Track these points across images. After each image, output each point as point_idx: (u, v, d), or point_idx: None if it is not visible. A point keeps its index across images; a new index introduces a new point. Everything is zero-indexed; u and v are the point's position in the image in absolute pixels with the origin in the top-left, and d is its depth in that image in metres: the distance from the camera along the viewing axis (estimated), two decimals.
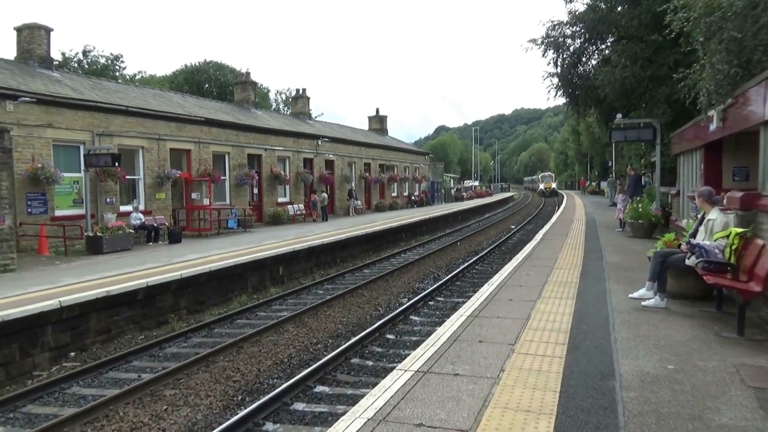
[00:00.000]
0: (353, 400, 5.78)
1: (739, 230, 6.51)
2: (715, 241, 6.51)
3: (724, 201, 8.40)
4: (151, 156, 19.11)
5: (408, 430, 3.63)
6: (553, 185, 71.88)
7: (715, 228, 6.65)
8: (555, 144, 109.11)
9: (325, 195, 28.33)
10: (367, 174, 35.44)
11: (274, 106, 54.29)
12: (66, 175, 16.11)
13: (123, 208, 17.86)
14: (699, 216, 7.34)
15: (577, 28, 21.35)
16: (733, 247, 6.33)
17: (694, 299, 7.23)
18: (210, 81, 45.69)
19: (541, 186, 72.95)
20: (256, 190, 25.13)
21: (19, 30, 18.58)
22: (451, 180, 67.37)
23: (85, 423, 6.15)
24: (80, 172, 16.39)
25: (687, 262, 6.69)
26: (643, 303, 6.97)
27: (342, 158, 32.52)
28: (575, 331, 5.87)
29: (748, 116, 9.77)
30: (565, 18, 21.84)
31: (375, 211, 35.48)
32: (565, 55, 21.89)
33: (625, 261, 10.94)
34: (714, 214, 6.80)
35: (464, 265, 15.37)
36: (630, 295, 7.35)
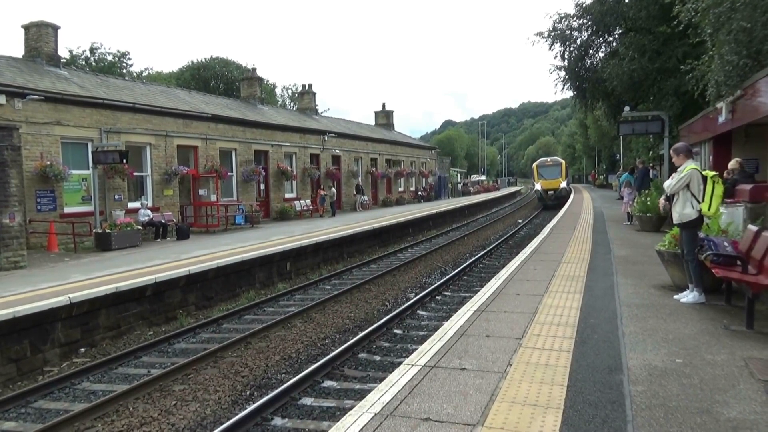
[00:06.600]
0: (361, 395, 5.79)
1: (712, 173, 6.56)
2: (677, 181, 6.63)
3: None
4: (159, 153, 19.18)
5: (415, 425, 3.64)
6: (563, 183, 38.01)
7: (681, 174, 6.70)
8: (562, 137, 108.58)
9: (333, 190, 28.37)
10: (374, 169, 35.40)
11: (280, 102, 54.32)
12: (74, 172, 16.20)
13: (131, 205, 17.96)
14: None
15: (584, 21, 21.26)
16: (712, 193, 6.42)
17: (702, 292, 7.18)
18: (216, 77, 45.78)
19: (538, 186, 39.05)
20: (263, 186, 25.18)
21: (27, 28, 18.66)
22: (458, 174, 66.96)
23: (95, 418, 6.20)
24: (88, 169, 16.48)
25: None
26: (682, 300, 6.87)
27: (349, 153, 32.52)
28: (583, 325, 5.86)
29: (758, 107, 9.68)
30: (572, 10, 21.78)
31: (382, 206, 35.47)
32: (572, 48, 21.81)
33: (633, 254, 10.89)
34: (688, 164, 6.78)
35: (471, 260, 15.35)
36: (682, 300, 6.93)
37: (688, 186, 6.62)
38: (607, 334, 5.54)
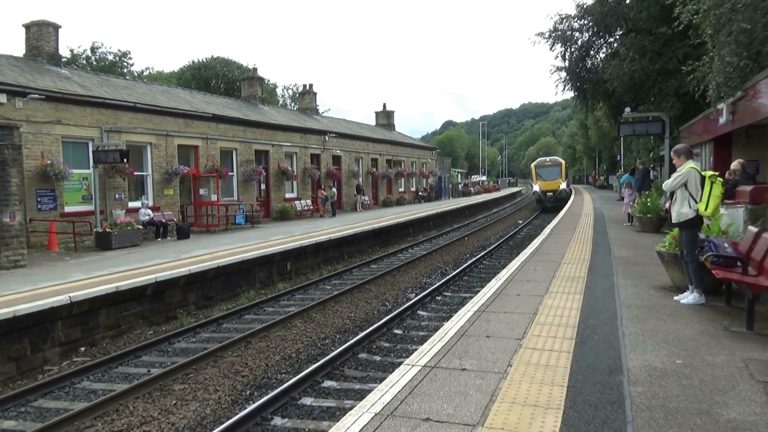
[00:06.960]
0: (361, 395, 5.79)
1: (710, 173, 6.54)
2: (676, 180, 6.63)
3: None
4: (159, 152, 19.19)
5: (415, 425, 3.64)
6: (563, 184, 36.13)
7: (679, 173, 6.70)
8: (563, 138, 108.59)
9: (334, 190, 28.38)
10: (375, 169, 35.41)
11: (281, 102, 54.33)
12: (75, 171, 16.21)
13: (131, 204, 17.98)
14: None
15: (585, 21, 21.26)
16: (710, 193, 6.43)
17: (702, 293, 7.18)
18: (217, 77, 45.80)
19: (536, 187, 37.57)
20: (263, 186, 25.19)
21: (28, 27, 18.67)
22: (459, 175, 66.99)
23: (95, 417, 6.20)
24: (89, 168, 16.49)
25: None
26: (682, 302, 6.89)
27: (349, 154, 32.52)
28: (583, 326, 5.86)
29: (759, 109, 9.69)
30: (572, 11, 21.78)
31: (382, 206, 35.47)
32: (572, 49, 21.80)
33: (633, 255, 10.88)
34: (687, 164, 6.77)
35: (472, 260, 15.35)
36: (682, 301, 6.92)
37: (686, 185, 6.62)
38: (608, 335, 5.54)
